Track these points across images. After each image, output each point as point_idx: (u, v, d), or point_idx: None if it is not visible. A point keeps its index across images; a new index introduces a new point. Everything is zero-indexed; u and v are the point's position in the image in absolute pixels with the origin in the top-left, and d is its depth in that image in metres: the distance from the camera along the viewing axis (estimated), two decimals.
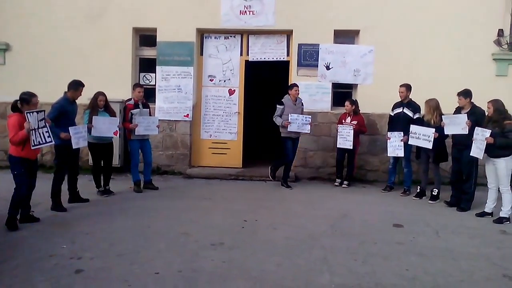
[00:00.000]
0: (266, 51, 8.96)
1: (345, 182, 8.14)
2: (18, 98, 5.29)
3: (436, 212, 6.54)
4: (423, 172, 7.44)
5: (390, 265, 4.44)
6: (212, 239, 5.04)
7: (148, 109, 7.61)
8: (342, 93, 8.81)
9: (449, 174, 7.40)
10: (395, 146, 7.44)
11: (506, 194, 6.05)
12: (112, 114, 6.93)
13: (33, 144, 5.20)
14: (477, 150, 6.11)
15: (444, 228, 5.74)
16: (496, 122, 6.03)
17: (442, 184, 7.26)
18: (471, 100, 6.67)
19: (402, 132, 7.33)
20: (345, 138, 7.84)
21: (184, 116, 8.88)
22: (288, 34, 8.82)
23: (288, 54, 8.90)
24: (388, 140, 7.54)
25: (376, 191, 7.87)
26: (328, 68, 8.63)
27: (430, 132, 6.83)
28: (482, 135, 5.99)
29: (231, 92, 9.07)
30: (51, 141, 5.51)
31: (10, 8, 8.98)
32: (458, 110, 6.80)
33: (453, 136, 6.80)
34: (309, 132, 7.90)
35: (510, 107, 6.18)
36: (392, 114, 7.71)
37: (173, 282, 3.92)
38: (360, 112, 8.12)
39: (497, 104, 6.10)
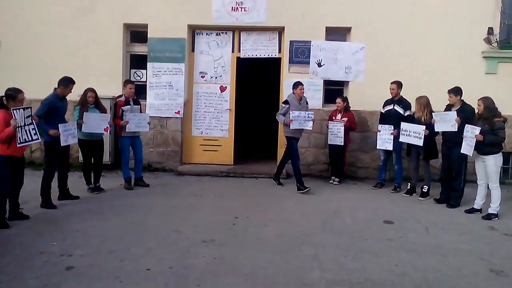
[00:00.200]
0: (257, 48, 8.94)
1: (336, 179, 8.18)
2: (3, 94, 5.20)
3: (426, 209, 6.60)
4: (413, 169, 7.49)
5: (380, 261, 4.48)
6: (203, 236, 5.05)
7: (139, 106, 7.57)
8: (333, 90, 8.84)
9: (439, 171, 7.46)
10: (384, 139, 7.47)
11: (495, 190, 6.13)
12: (102, 110, 6.89)
13: (19, 142, 5.11)
14: (467, 147, 6.17)
15: (434, 224, 5.79)
16: (486, 119, 6.09)
17: (432, 181, 7.33)
18: (461, 98, 6.73)
19: (392, 126, 7.38)
20: (335, 134, 7.87)
21: (175, 113, 8.85)
22: (280, 31, 8.82)
23: (279, 51, 8.89)
24: (378, 133, 7.58)
25: (367, 188, 7.91)
26: (319, 65, 8.64)
27: (421, 129, 6.88)
28: (472, 133, 6.05)
29: (222, 89, 9.06)
30: (38, 139, 5.40)
31: None
32: (448, 108, 6.85)
33: (443, 133, 6.87)
34: (311, 128, 7.70)
35: (499, 104, 6.24)
36: (383, 111, 7.75)
37: (164, 279, 3.92)
38: (351, 109, 8.16)
39: (487, 102, 6.16)
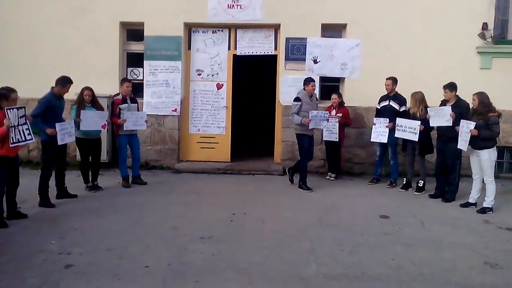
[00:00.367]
0: (254, 45, 8.96)
1: (333, 175, 8.23)
2: None
3: (422, 204, 6.65)
4: (409, 164, 7.54)
5: (376, 255, 4.53)
6: (201, 232, 5.08)
7: (136, 104, 7.59)
8: (329, 87, 8.86)
9: (434, 166, 7.51)
10: (379, 132, 7.50)
11: (490, 184, 6.18)
12: (99, 109, 6.90)
13: (12, 142, 5.04)
14: (462, 142, 6.22)
15: (429, 218, 5.85)
16: (481, 114, 6.14)
17: (427, 176, 7.38)
18: (456, 93, 6.78)
19: (388, 119, 7.41)
20: (330, 130, 7.86)
21: (172, 110, 8.87)
22: (276, 28, 8.84)
23: (276, 48, 8.92)
24: (373, 126, 7.61)
25: (363, 184, 7.96)
26: (315, 61, 8.67)
27: (416, 124, 6.92)
28: (467, 128, 6.10)
29: (219, 87, 9.07)
30: (31, 139, 5.31)
31: None
32: (443, 103, 6.89)
33: (438, 128, 6.91)
34: (324, 128, 7.67)
35: (494, 99, 6.28)
36: (379, 107, 7.79)
37: (162, 275, 3.95)
38: (346, 105, 8.20)
39: (482, 97, 6.20)
